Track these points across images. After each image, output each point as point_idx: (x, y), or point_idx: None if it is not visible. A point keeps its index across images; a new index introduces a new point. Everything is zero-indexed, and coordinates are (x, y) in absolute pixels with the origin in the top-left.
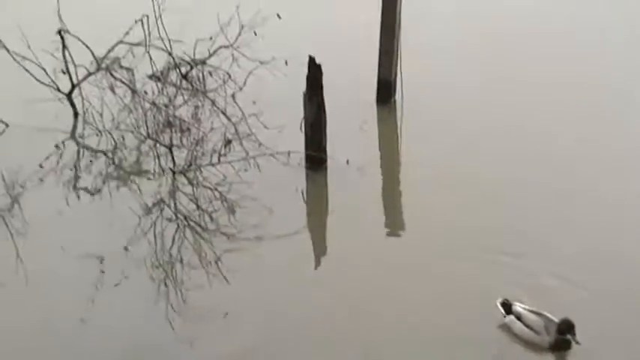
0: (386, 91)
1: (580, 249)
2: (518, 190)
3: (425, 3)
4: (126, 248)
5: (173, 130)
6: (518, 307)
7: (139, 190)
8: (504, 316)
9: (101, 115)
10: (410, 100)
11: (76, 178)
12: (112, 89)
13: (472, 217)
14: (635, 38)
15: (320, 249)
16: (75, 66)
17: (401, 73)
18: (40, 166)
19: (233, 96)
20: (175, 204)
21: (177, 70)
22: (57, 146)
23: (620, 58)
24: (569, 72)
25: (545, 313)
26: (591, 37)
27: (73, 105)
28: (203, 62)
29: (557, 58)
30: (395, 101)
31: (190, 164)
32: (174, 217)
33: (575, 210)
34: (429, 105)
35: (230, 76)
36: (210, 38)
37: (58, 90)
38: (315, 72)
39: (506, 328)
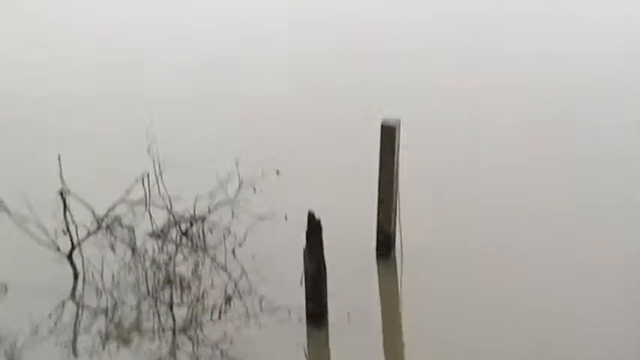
0: (385, 244)
1: None
2: (517, 342)
3: (424, 150)
4: None
5: (173, 287)
6: None
7: (139, 349)
8: None
9: (101, 274)
10: (410, 253)
11: (75, 338)
12: (113, 248)
13: None
14: None
15: None
16: (75, 226)
17: (400, 225)
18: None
19: (233, 251)
20: None
21: (177, 227)
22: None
23: None
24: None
25: None
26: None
27: (73, 265)
28: (203, 219)
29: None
30: (395, 254)
31: (191, 322)
32: None
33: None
34: (430, 258)
35: (230, 232)
36: (210, 195)
37: (59, 250)
38: (314, 228)
39: None
